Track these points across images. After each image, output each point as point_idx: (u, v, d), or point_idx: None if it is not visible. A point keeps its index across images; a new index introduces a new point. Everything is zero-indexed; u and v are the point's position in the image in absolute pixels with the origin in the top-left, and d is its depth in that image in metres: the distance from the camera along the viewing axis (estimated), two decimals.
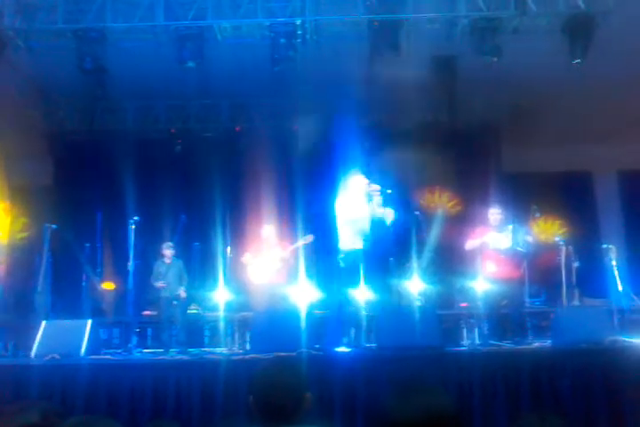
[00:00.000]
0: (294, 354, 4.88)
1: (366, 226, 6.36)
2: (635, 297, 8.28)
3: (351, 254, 6.39)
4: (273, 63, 7.00)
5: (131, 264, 7.01)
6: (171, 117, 10.02)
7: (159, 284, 7.73)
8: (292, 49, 7.00)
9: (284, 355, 4.68)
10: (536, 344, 6.50)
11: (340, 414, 4.49)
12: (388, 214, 6.44)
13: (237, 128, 9.96)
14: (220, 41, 7.26)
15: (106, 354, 6.31)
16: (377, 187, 6.41)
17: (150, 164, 9.86)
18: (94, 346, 5.90)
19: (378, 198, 6.39)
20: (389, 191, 6.43)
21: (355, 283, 6.34)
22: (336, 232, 6.48)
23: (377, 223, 6.37)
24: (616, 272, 7.84)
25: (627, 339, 6.48)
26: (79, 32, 7.03)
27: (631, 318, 7.73)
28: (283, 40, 6.95)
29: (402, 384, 2.18)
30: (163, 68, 7.70)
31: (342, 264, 6.50)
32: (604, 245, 8.13)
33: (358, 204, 6.41)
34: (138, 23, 6.99)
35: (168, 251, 7.92)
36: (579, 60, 6.91)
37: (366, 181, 6.45)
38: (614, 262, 7.94)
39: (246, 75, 8.30)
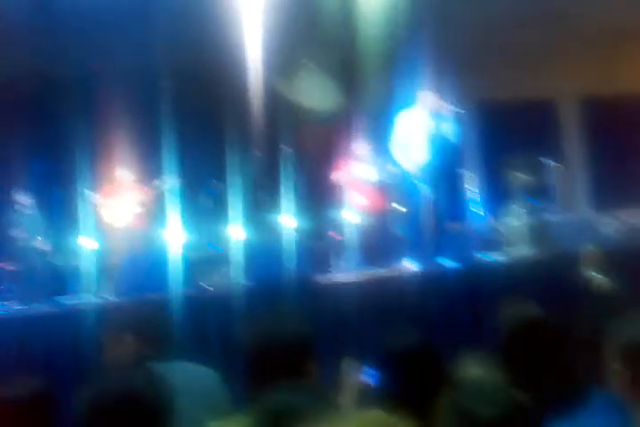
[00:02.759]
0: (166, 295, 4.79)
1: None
2: (489, 219, 8.85)
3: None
4: None
5: None
6: (21, 59, 9.07)
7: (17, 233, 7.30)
8: None
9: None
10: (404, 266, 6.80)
11: (216, 352, 4.48)
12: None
13: (95, 66, 9.23)
14: None
15: None
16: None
17: None
18: None
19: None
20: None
21: None
22: None
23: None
24: (471, 194, 8.28)
25: (482, 256, 6.95)
26: None
27: (487, 238, 8.29)
28: None
29: (258, 316, 2.21)
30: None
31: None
32: (461, 170, 8.52)
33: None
34: None
35: (23, 199, 7.44)
36: None
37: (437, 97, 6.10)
38: (470, 187, 8.37)
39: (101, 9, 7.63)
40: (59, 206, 8.40)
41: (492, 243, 8.27)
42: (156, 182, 8.03)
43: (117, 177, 8.04)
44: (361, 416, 1.97)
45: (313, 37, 7.94)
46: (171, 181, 7.95)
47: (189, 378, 2.52)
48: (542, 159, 8.52)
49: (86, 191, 7.80)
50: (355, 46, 8.27)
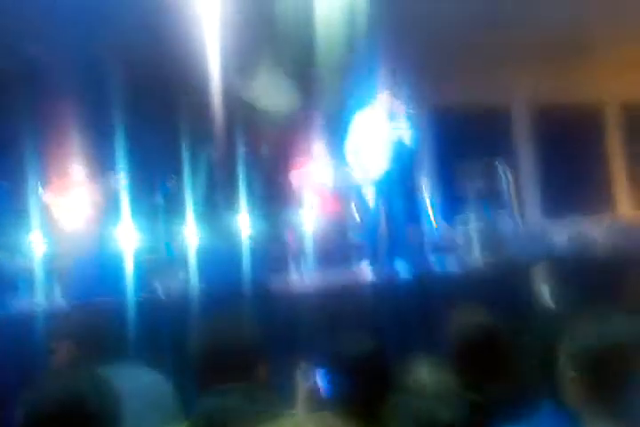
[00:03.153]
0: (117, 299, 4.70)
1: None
2: (442, 224, 8.97)
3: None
4: None
5: None
6: None
7: None
8: None
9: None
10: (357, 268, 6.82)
11: (166, 357, 4.41)
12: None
13: (42, 57, 8.96)
14: None
15: None
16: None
17: None
18: None
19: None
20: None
21: None
22: None
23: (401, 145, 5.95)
24: (427, 200, 8.38)
25: (436, 262, 7.00)
26: None
27: (440, 244, 8.39)
28: None
29: (209, 320, 2.20)
30: None
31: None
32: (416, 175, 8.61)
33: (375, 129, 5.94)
34: None
35: None
36: None
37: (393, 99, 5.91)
38: (424, 192, 8.47)
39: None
40: (7, 203, 8.13)
41: (444, 249, 8.38)
42: (109, 179, 7.80)
43: (68, 173, 7.74)
44: (307, 419, 1.97)
45: (270, 37, 7.90)
46: (124, 179, 7.73)
47: (137, 382, 2.48)
48: (496, 166, 8.67)
49: (33, 188, 7.55)
50: (312, 46, 8.26)
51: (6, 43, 8.75)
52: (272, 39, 7.97)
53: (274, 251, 8.27)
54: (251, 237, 7.97)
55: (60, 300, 6.36)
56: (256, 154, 8.65)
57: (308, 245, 7.29)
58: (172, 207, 8.07)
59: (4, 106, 8.64)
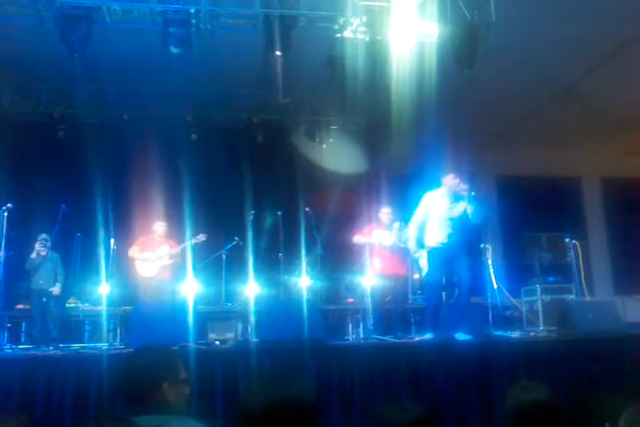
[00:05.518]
0: (176, 347, 4.77)
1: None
2: (507, 295, 8.75)
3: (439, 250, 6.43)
4: (165, 50, 6.79)
5: (2, 255, 6.60)
6: (53, 101, 9.46)
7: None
8: (184, 37, 6.82)
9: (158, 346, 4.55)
10: (417, 338, 6.72)
11: (219, 409, 4.42)
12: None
13: (125, 116, 9.57)
14: (108, 24, 6.95)
15: None
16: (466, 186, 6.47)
17: (29, 148, 9.29)
18: None
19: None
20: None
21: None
22: None
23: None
24: (492, 271, 8.23)
25: (499, 333, 6.85)
26: None
27: (503, 314, 8.17)
28: (174, 28, 6.75)
29: (265, 374, 2.19)
30: (46, 48, 7.29)
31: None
32: (482, 245, 8.51)
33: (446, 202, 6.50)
34: None
35: (37, 245, 7.54)
36: (468, 69, 7.18)
37: (457, 180, 6.48)
38: (490, 262, 8.33)
39: (136, 61, 8.02)
40: (81, 254, 8.51)
41: (509, 320, 8.16)
42: (184, 237, 8.20)
43: (148, 230, 8.23)
44: None
45: (342, 101, 8.18)
46: (196, 238, 8.11)
47: None
48: (565, 238, 8.48)
49: (109, 240, 7.92)
50: (384, 114, 8.49)
51: (99, 101, 9.42)
52: (344, 103, 8.25)
53: (335, 311, 8.27)
54: (311, 295, 8.02)
55: (124, 344, 6.52)
56: (322, 215, 8.78)
57: (371, 307, 7.24)
58: (240, 264, 8.25)
59: (87, 160, 9.17)
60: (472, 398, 4.82)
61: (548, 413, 2.78)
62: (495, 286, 8.45)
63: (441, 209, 6.53)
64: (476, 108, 9.57)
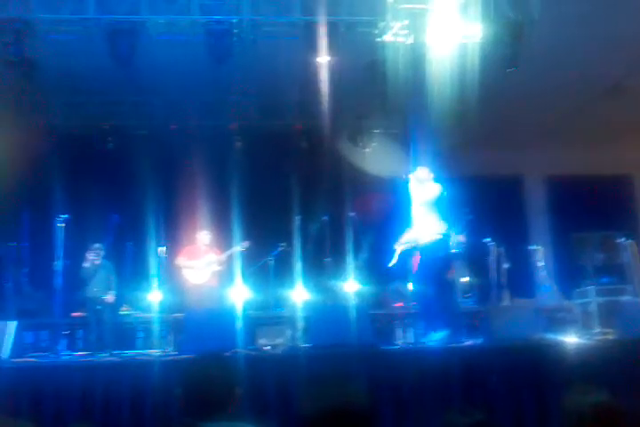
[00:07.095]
0: (228, 353, 4.83)
1: None
2: (560, 296, 8.58)
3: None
4: (208, 60, 6.93)
5: (58, 264, 6.80)
6: (102, 114, 9.71)
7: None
8: (226, 47, 6.94)
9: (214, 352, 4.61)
10: (467, 343, 6.64)
11: (273, 413, 4.46)
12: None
13: (172, 126, 9.76)
14: (153, 37, 7.11)
15: (32, 357, 6.08)
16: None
17: (81, 161, 9.57)
18: (19, 349, 5.68)
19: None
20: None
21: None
22: None
23: None
24: (543, 273, 8.09)
25: (552, 337, 6.71)
26: (2, 22, 6.75)
27: (557, 316, 8.01)
28: (216, 39, 6.87)
29: (319, 381, 2.19)
30: (94, 63, 7.50)
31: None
32: (532, 247, 8.38)
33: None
34: (67, 15, 6.76)
35: (90, 254, 7.73)
36: (513, 69, 7.09)
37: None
38: (541, 263, 8.19)
39: (181, 72, 8.18)
40: (133, 262, 8.71)
41: (562, 322, 8.00)
42: (230, 244, 8.33)
43: (195, 238, 8.38)
44: None
45: (384, 105, 8.16)
46: (241, 245, 8.22)
47: None
48: (618, 237, 8.28)
49: (158, 248, 8.08)
50: (423, 116, 8.46)
51: (146, 112, 9.63)
52: (383, 107, 8.23)
53: (383, 315, 8.23)
54: (358, 300, 8.02)
55: (177, 351, 6.63)
56: (367, 219, 8.78)
57: (418, 310, 7.20)
58: (286, 269, 8.31)
59: (136, 170, 9.39)
60: (527, 402, 4.75)
61: (606, 416, 2.72)
62: (547, 288, 8.30)
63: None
64: (521, 107, 9.44)
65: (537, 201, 11.76)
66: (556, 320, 7.99)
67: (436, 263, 6.42)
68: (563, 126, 10.17)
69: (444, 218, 6.39)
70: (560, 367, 5.03)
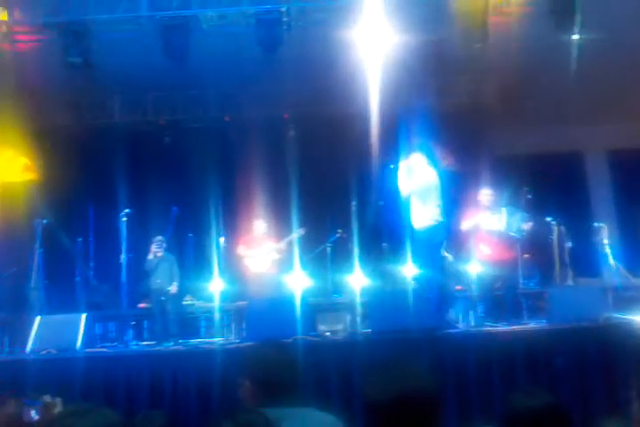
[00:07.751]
0: (290, 340, 4.90)
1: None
2: (627, 275, 8.32)
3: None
4: (259, 50, 6.98)
5: (123, 257, 7.01)
6: (158, 109, 9.91)
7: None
8: (277, 36, 6.97)
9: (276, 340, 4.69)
10: (531, 325, 6.53)
11: (336, 399, 4.51)
12: None
13: (227, 118, 9.88)
14: (205, 30, 7.20)
15: (102, 348, 6.33)
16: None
17: (140, 156, 9.81)
18: (90, 340, 5.92)
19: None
20: None
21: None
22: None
23: None
24: (608, 251, 7.86)
25: (620, 316, 6.53)
26: (63, 26, 6.96)
27: (624, 295, 7.78)
28: (267, 28, 6.90)
29: (383, 366, 2.19)
30: (148, 60, 7.65)
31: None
32: (596, 225, 8.14)
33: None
34: (121, 14, 6.91)
35: (153, 246, 7.91)
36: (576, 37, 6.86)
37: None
38: (606, 241, 7.95)
39: (233, 63, 8.25)
40: (194, 252, 8.91)
41: (630, 301, 7.75)
42: (287, 233, 8.40)
43: (254, 228, 8.49)
44: None
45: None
46: (297, 231, 8.28)
47: (310, 424, 2.54)
48: None
49: (219, 239, 8.23)
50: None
51: (200, 105, 9.78)
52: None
53: (444, 299, 8.16)
54: (420, 285, 7.96)
55: (239, 339, 6.77)
56: None
57: (480, 293, 7.12)
58: (344, 255, 8.34)
59: (193, 163, 9.56)
60: (596, 384, 4.65)
61: None
62: (612, 267, 8.06)
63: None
64: (584, 81, 9.12)
65: (599, 177, 11.38)
66: (624, 299, 7.75)
67: (431, 250, 6.33)
68: (624, 99, 9.79)
69: (441, 204, 6.29)
70: (630, 348, 4.90)
